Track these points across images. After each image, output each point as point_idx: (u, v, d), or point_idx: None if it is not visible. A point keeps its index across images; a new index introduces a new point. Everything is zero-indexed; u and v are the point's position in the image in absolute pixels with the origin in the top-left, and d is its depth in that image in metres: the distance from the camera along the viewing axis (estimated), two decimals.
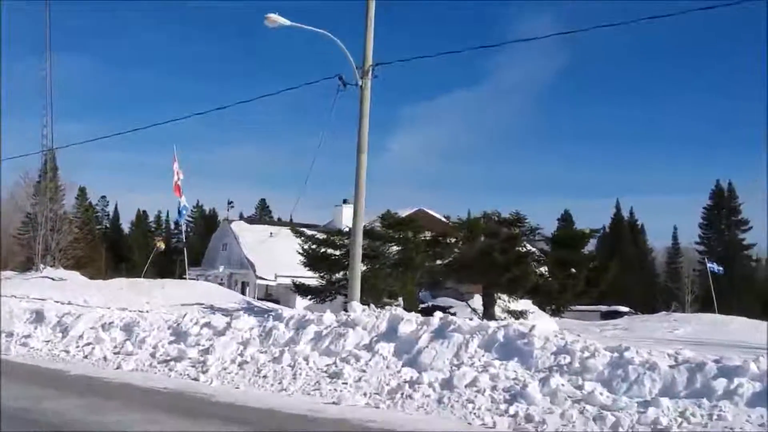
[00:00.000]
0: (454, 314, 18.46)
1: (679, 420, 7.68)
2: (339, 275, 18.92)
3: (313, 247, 19.05)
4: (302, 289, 20.07)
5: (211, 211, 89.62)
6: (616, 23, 15.01)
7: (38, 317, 16.81)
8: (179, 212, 27.37)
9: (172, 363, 12.65)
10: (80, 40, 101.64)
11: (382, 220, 18.12)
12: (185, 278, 42.18)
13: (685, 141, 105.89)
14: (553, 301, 19.68)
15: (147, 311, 18.39)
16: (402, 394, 9.59)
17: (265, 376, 11.31)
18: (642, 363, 8.66)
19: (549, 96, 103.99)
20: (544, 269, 19.84)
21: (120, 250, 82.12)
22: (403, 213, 42.86)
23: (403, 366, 10.51)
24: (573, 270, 19.91)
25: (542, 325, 12.29)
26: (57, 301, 20.23)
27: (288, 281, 39.44)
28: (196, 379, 11.70)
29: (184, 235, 31.21)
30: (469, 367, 9.72)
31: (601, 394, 8.41)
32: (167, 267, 66.82)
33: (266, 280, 40.19)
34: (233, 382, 11.39)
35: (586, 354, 9.18)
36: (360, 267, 15.73)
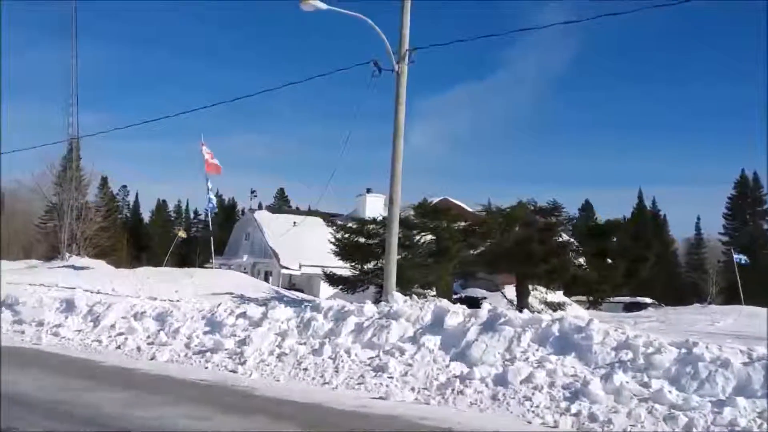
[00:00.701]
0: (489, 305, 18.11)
1: (759, 421, 7.19)
2: (370, 265, 18.55)
3: (346, 236, 18.66)
4: (332, 279, 19.69)
5: (231, 200, 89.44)
6: (638, 9, 14.30)
7: (68, 306, 16.60)
8: (209, 200, 26.99)
9: (208, 354, 12.35)
10: (97, 27, 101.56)
11: (416, 209, 17.67)
12: (210, 266, 42.16)
13: (709, 130, 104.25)
14: (592, 293, 19.16)
15: (178, 301, 18.14)
16: (453, 389, 9.19)
17: (305, 369, 10.96)
18: (713, 360, 8.18)
19: (563, 86, 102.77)
20: (581, 260, 19.33)
21: (140, 239, 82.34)
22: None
23: (451, 360, 10.11)
24: (609, 261, 19.36)
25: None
26: (86, 290, 19.99)
27: (312, 270, 39.50)
28: (233, 371, 11.38)
29: (211, 223, 30.56)
30: (523, 362, 9.29)
31: (669, 392, 7.95)
32: (187, 256, 66.95)
33: (290, 269, 39.95)
34: (273, 374, 11.06)
35: (651, 350, 8.72)
36: (396, 256, 15.29)
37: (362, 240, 18.41)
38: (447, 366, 9.94)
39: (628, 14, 14.64)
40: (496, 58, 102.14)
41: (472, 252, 18.04)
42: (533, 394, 8.56)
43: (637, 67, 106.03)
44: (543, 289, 19.49)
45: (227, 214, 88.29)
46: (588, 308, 19.29)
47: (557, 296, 22.03)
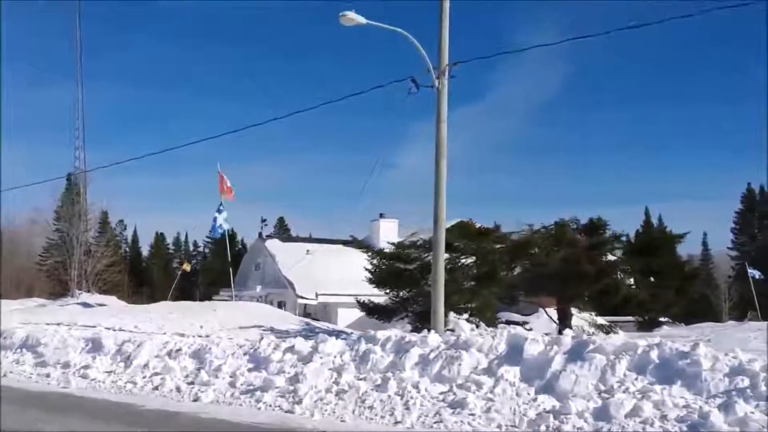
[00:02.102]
0: (530, 329, 17.35)
1: None
2: (405, 292, 17.83)
3: (385, 262, 17.97)
4: (369, 308, 18.96)
5: (230, 231, 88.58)
6: (642, 24, 14.02)
7: (95, 346, 15.85)
8: (215, 227, 26.24)
9: (258, 393, 11.60)
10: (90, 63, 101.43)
11: (460, 230, 17.00)
12: (220, 298, 41.35)
13: (713, 145, 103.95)
14: (642, 314, 18.44)
15: (207, 336, 17.38)
16: (547, 426, 8.46)
17: (371, 407, 10.22)
18: None
19: (556, 107, 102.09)
20: (630, 279, 18.65)
21: (140, 273, 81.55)
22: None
23: (536, 393, 9.35)
24: (652, 279, 18.64)
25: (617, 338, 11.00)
26: (108, 328, 19.23)
27: (330, 299, 38.76)
28: (290, 412, 10.64)
29: (228, 251, 29.73)
30: (622, 394, 8.55)
31: None
32: (188, 289, 66.14)
33: (306, 299, 39.14)
34: (335, 413, 10.32)
35: None
36: (443, 281, 14.60)
37: (401, 266, 17.74)
38: (534, 400, 9.21)
39: (621, 32, 14.21)
40: (486, 81, 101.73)
41: (514, 274, 17.34)
42: (644, 429, 7.84)
43: (632, 85, 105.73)
44: (588, 312, 18.78)
45: (226, 245, 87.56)
46: (650, 329, 18.50)
47: (583, 317, 21.38)
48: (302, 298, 39.14)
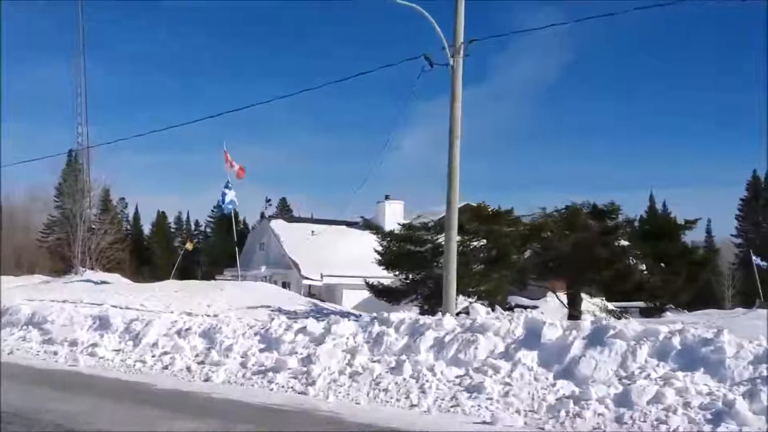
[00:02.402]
0: (541, 313, 17.29)
1: None
2: (415, 274, 17.73)
3: (396, 243, 17.84)
4: (378, 290, 18.87)
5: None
6: (650, 6, 14.00)
7: (103, 324, 15.83)
8: (225, 203, 26.15)
9: (270, 374, 11.54)
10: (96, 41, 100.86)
11: (473, 213, 16.86)
12: (222, 278, 41.32)
13: (720, 132, 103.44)
14: (654, 300, 18.34)
15: (216, 315, 17.33)
16: (567, 412, 8.37)
17: (385, 390, 10.15)
18: None
19: (560, 91, 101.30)
20: (642, 265, 18.51)
21: (141, 252, 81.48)
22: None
23: (555, 378, 9.28)
24: (663, 265, 18.52)
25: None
26: (114, 306, 19.19)
27: (335, 281, 38.73)
28: (303, 393, 10.59)
29: (234, 233, 29.66)
30: (644, 380, 8.48)
31: None
32: (189, 269, 66.07)
33: (311, 280, 39.09)
34: (349, 396, 10.25)
35: None
36: (455, 264, 14.49)
37: (412, 247, 17.62)
38: (553, 385, 9.14)
39: (627, 15, 14.06)
40: (490, 63, 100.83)
41: (525, 258, 17.22)
42: (667, 416, 7.75)
43: (639, 70, 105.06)
44: (599, 297, 18.70)
45: (229, 224, 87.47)
46: (654, 315, 18.41)
47: (595, 303, 21.30)
48: (307, 278, 39.12)
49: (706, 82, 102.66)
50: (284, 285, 42.78)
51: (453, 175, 15.04)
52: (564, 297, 20.11)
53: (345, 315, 20.17)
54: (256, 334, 13.39)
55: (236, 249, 29.41)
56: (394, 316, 12.10)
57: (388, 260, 17.94)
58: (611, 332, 9.37)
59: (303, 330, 12.73)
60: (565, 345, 9.66)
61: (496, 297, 16.92)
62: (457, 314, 13.90)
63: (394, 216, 43.98)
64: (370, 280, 20.04)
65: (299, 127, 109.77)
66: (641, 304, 29.00)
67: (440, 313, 13.97)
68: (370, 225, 19.52)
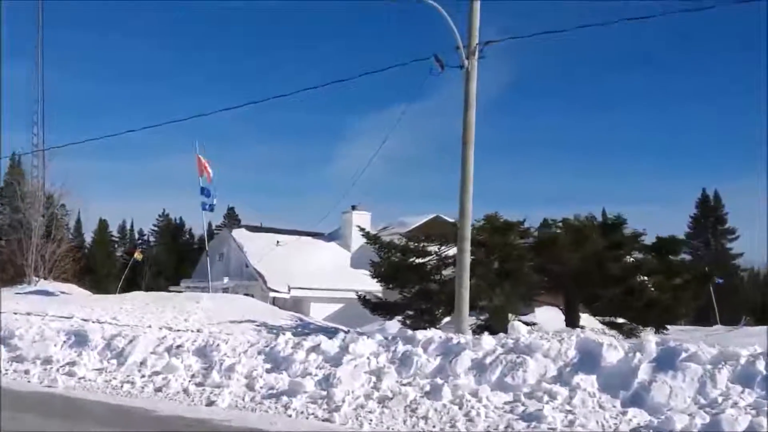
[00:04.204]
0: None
1: None
2: (414, 288, 16.86)
3: (399, 255, 16.95)
4: (374, 305, 17.92)
5: (177, 220, 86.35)
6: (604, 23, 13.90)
7: (80, 340, 14.55)
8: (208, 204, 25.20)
9: (284, 398, 10.51)
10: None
11: (485, 223, 16.07)
12: (178, 289, 39.75)
13: (668, 150, 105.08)
14: (667, 318, 17.79)
15: (199, 330, 16.18)
16: None
17: (425, 417, 9.24)
18: None
19: (506, 107, 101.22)
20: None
21: (83, 261, 78.55)
22: (419, 220, 41.43)
23: (623, 406, 8.49)
24: (678, 281, 17.98)
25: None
26: (85, 320, 17.87)
27: (303, 293, 37.55)
28: (328, 420, 9.61)
29: (207, 241, 28.40)
30: (732, 409, 7.72)
31: None
32: (134, 280, 63.93)
33: (278, 292, 37.78)
34: (383, 424, 9.32)
35: None
36: (468, 279, 13.68)
37: (416, 260, 16.75)
38: (623, 413, 8.35)
39: (569, 33, 13.86)
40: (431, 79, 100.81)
41: (533, 273, 16.50)
42: None
43: (584, 88, 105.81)
44: (602, 315, 18.07)
45: (173, 234, 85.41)
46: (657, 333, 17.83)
47: (586, 319, 20.75)
48: (274, 291, 37.81)
49: (653, 98, 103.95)
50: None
51: (466, 184, 14.26)
52: (554, 312, 19.44)
53: (331, 331, 19.23)
54: (260, 353, 12.34)
55: (207, 258, 28.05)
56: (421, 335, 11.21)
57: (386, 273, 17.04)
58: (683, 355, 8.64)
59: (315, 348, 11.74)
60: (629, 369, 8.89)
61: (507, 314, 16.18)
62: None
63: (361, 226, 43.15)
64: (362, 293, 19.08)
65: (251, 136, 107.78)
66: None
67: (455, 331, 13.11)
68: (368, 235, 18.48)
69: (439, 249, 16.69)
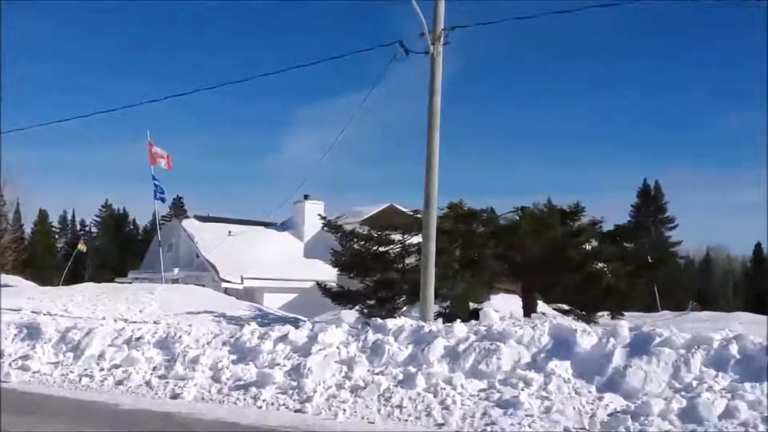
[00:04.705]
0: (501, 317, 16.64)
1: None
2: (378, 277, 16.74)
3: (364, 244, 16.77)
4: (336, 294, 17.75)
5: (122, 210, 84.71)
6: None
7: (32, 333, 14.08)
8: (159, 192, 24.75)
9: (253, 389, 10.32)
10: None
11: (450, 211, 16.01)
12: (125, 281, 38.93)
13: (609, 138, 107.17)
14: (623, 305, 18.06)
15: (156, 322, 15.80)
16: (626, 429, 7.65)
17: (399, 406, 9.17)
18: None
19: (452, 95, 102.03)
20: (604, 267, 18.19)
21: (25, 252, 76.29)
22: (373, 210, 41.33)
23: (599, 391, 8.54)
24: (635, 267, 18.24)
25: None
26: (35, 312, 17.31)
27: (256, 284, 37.13)
28: (300, 411, 9.47)
29: (159, 232, 27.88)
30: (708, 393, 7.82)
31: None
32: (76, 272, 62.48)
33: (231, 283, 37.26)
34: (357, 413, 9.20)
35: None
36: (433, 267, 13.62)
37: (379, 248, 16.61)
38: (599, 399, 8.40)
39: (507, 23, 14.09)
40: (377, 69, 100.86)
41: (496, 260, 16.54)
42: None
43: (528, 76, 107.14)
44: (559, 303, 18.27)
45: (117, 224, 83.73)
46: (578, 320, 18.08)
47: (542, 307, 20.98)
48: (226, 281, 37.29)
49: (599, 87, 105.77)
50: None
51: (431, 171, 14.18)
52: (510, 299, 19.54)
53: (291, 320, 19.02)
54: (224, 344, 12.09)
55: (159, 249, 27.52)
56: (392, 323, 11.12)
57: (349, 261, 16.88)
58: (657, 340, 8.73)
59: (283, 339, 11.55)
60: (603, 354, 8.96)
61: (470, 302, 16.21)
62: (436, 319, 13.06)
63: (313, 216, 42.81)
64: (322, 283, 18.89)
65: (192, 125, 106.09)
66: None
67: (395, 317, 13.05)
68: (330, 224, 18.26)
69: (402, 237, 16.61)
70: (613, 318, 17.85)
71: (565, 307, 19.48)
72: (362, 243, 16.91)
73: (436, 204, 14.20)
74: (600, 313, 17.41)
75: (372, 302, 17.16)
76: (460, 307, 17.08)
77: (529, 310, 18.98)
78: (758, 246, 70.98)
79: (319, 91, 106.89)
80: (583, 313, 18.11)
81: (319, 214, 23.54)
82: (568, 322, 10.69)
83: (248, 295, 37.82)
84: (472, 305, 19.23)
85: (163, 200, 25.65)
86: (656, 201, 70.83)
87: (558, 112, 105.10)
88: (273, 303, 34.11)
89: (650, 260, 18.75)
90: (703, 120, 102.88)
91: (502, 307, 19.59)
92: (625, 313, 21.13)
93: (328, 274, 34.82)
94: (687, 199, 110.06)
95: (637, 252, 19.44)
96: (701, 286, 67.85)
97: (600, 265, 17.60)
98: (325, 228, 18.30)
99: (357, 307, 18.23)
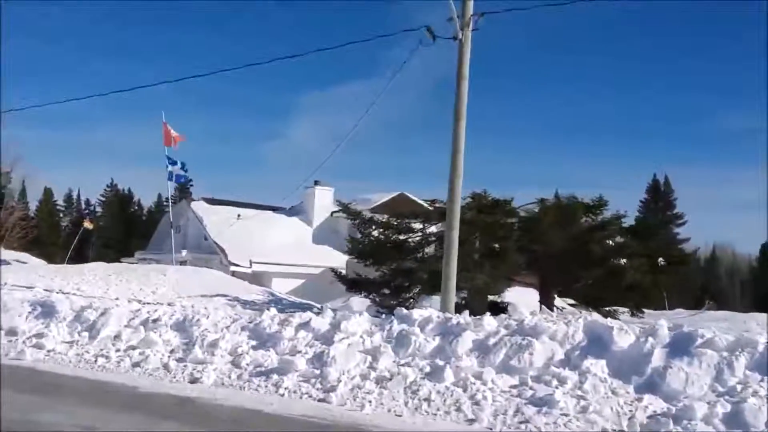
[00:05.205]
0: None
1: None
2: (398, 266, 16.47)
3: (383, 232, 16.49)
4: (354, 283, 17.45)
5: (126, 191, 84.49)
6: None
7: (47, 311, 13.87)
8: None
9: (274, 377, 10.07)
10: None
11: (472, 201, 15.71)
12: (133, 261, 38.80)
13: (618, 134, 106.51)
14: (646, 302, 17.76)
15: (171, 304, 15.59)
16: None
17: (427, 400, 8.90)
18: None
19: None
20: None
21: (34, 230, 76.27)
22: (383, 197, 41.03)
23: (637, 392, 8.27)
24: (662, 262, 17.94)
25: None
26: (47, 290, 17.10)
27: (264, 268, 36.91)
28: (324, 401, 9.20)
29: (171, 213, 27.73)
30: (754, 398, 7.54)
31: None
32: (80, 250, 62.29)
33: (240, 266, 37.05)
34: (383, 406, 8.93)
35: None
36: (456, 258, 13.36)
37: (400, 237, 16.33)
38: (638, 400, 8.13)
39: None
40: (386, 57, 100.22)
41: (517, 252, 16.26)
42: None
43: (534, 69, 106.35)
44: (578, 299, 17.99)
45: (122, 204, 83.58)
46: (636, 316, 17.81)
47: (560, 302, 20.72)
48: (235, 265, 37.08)
49: (607, 84, 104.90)
50: None
51: (457, 160, 13.92)
52: (530, 291, 19.27)
53: (304, 306, 18.80)
54: (243, 329, 11.86)
55: (171, 230, 27.34)
56: (417, 314, 10.86)
57: (367, 249, 16.59)
58: (699, 341, 8.43)
59: (305, 326, 11.30)
60: (640, 354, 8.68)
61: (487, 294, 15.94)
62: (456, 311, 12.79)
63: (324, 203, 42.56)
64: (337, 270, 18.65)
65: (199, 109, 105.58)
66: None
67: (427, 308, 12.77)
68: (348, 210, 17.96)
69: (423, 226, 16.32)
70: (632, 315, 17.61)
71: (575, 302, 19.24)
72: (381, 231, 16.63)
73: (461, 193, 13.93)
74: (621, 310, 17.16)
75: (387, 291, 16.92)
76: (477, 299, 16.83)
77: (546, 304, 18.73)
78: (765, 245, 70.32)
79: (324, 78, 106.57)
80: (606, 308, 17.87)
81: (338, 201, 23.24)
82: (602, 319, 10.39)
83: (256, 279, 37.62)
84: (490, 297, 18.99)
85: (184, 180, 25.32)
86: (666, 197, 70.27)
87: (562, 105, 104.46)
88: (281, 288, 33.93)
89: (686, 255, 18.45)
90: (709, 116, 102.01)
91: (518, 300, 19.38)
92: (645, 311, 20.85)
93: (337, 260, 34.67)
94: (692, 196, 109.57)
95: (661, 248, 19.11)
96: (707, 284, 67.35)
97: (623, 261, 17.35)
98: (343, 214, 18.02)
99: (369, 296, 18.00)
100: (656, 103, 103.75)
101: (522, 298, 19.74)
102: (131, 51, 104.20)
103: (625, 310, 17.35)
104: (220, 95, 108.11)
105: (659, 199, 69.56)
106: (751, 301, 58.54)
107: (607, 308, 18.17)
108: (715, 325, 18.61)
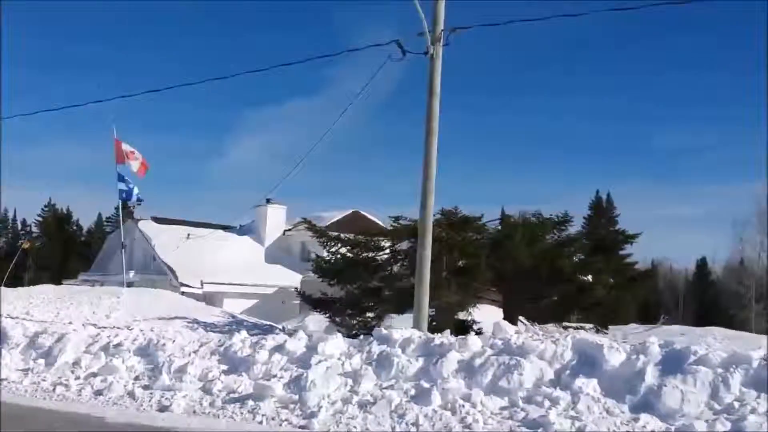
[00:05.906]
0: (480, 330, 16.17)
1: None
2: (365, 285, 16.13)
3: (350, 250, 16.08)
4: (317, 302, 17.01)
5: (64, 210, 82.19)
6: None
7: None
8: (128, 193, 23.61)
9: (250, 403, 9.63)
10: None
11: (442, 217, 15.45)
12: (71, 283, 37.47)
13: (560, 149, 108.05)
14: (607, 318, 17.74)
15: (130, 327, 14.88)
16: None
17: (415, 423, 8.59)
18: None
19: (397, 104, 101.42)
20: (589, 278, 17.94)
21: None
22: (336, 215, 40.64)
23: (632, 412, 8.09)
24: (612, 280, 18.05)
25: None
26: None
27: (216, 288, 36.06)
28: (305, 428, 8.83)
29: (122, 233, 26.74)
30: (753, 416, 7.43)
31: None
32: (15, 272, 60.12)
33: (191, 287, 36.09)
34: (369, 431, 8.53)
35: None
36: (428, 275, 13.08)
37: (369, 254, 15.96)
38: (635, 420, 7.94)
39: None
40: (323, 76, 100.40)
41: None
42: None
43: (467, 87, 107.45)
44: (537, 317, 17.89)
45: (60, 225, 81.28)
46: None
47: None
48: (185, 285, 36.11)
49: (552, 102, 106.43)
50: None
51: (429, 176, 13.65)
52: (493, 309, 19.09)
53: (266, 327, 18.26)
54: (213, 353, 11.39)
55: (122, 251, 26.46)
56: (398, 334, 10.54)
57: (334, 267, 16.20)
58: (692, 358, 8.32)
59: (279, 349, 10.87)
60: (633, 372, 8.53)
61: (454, 312, 15.68)
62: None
63: (276, 221, 41.94)
64: (302, 291, 18.21)
65: (142, 128, 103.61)
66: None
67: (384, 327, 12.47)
68: (321, 231, 17.53)
69: (392, 243, 16.03)
70: (597, 332, 17.56)
71: (537, 320, 19.13)
72: (349, 248, 16.27)
73: (432, 210, 13.68)
74: (587, 326, 17.10)
75: (352, 311, 16.56)
76: (444, 318, 16.56)
77: (510, 321, 18.56)
78: (703, 260, 72.03)
79: (264, 96, 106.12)
80: (572, 325, 17.79)
81: (303, 218, 22.73)
82: (591, 336, 10.23)
83: (207, 300, 36.70)
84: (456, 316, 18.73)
85: (139, 201, 24.43)
86: (608, 213, 71.44)
87: (497, 120, 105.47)
88: (233, 308, 33.03)
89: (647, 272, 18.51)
90: (642, 134, 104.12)
91: (483, 318, 19.20)
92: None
93: (290, 279, 34.01)
94: (631, 212, 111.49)
95: (625, 265, 19.22)
96: (649, 299, 68.50)
97: (588, 277, 17.36)
98: (300, 232, 17.60)
99: (329, 315, 17.58)
100: (595, 116, 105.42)
101: (486, 315, 19.59)
102: (70, 68, 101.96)
103: (591, 326, 17.35)
104: (162, 113, 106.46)
105: (602, 216, 70.68)
106: (692, 315, 59.88)
107: (573, 325, 18.16)
108: (676, 340, 18.72)
